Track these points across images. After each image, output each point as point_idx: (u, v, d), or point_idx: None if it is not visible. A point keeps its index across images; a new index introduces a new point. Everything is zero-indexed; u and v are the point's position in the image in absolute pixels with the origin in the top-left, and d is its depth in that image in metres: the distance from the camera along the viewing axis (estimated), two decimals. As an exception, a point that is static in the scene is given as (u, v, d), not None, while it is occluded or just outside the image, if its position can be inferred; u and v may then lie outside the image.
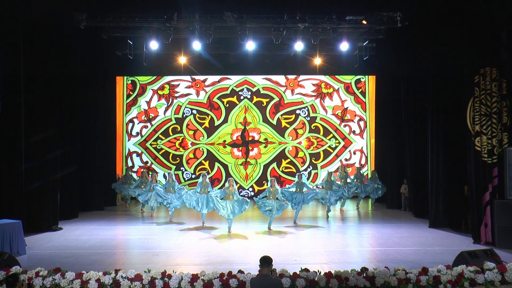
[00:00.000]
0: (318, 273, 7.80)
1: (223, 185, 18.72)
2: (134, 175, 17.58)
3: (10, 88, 12.17)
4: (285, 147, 19.40)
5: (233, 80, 19.40)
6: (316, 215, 15.85)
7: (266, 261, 6.12)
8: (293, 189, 13.86)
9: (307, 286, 7.60)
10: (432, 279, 7.80)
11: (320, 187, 15.12)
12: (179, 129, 19.31)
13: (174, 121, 19.30)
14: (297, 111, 19.43)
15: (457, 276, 7.88)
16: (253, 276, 6.91)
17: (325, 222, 14.36)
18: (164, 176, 18.89)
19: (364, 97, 19.47)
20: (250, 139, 19.39)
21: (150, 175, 15.48)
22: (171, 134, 19.31)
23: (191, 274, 7.79)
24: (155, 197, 14.39)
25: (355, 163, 19.17)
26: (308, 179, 18.98)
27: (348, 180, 16.21)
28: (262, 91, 19.44)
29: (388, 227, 13.49)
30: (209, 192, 13.20)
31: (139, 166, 19.20)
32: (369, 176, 17.58)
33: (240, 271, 7.91)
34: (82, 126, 15.98)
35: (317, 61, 18.24)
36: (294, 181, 14.76)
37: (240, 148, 19.38)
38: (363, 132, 19.49)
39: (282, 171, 19.34)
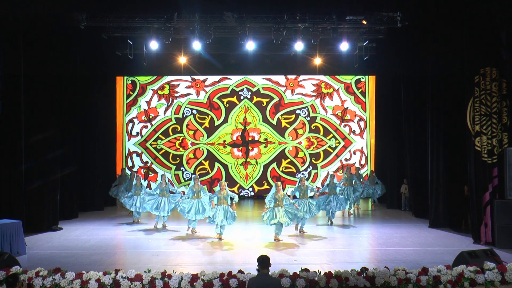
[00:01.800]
0: (318, 273, 7.80)
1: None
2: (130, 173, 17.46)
3: (10, 88, 12.17)
4: (285, 147, 19.40)
5: (233, 80, 19.39)
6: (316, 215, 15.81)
7: (264, 261, 6.13)
8: (296, 193, 12.86)
9: (307, 286, 7.60)
10: (432, 279, 7.80)
11: (323, 192, 14.25)
12: (179, 129, 19.31)
13: (174, 121, 19.30)
14: (297, 111, 19.43)
15: (457, 276, 7.89)
16: (252, 276, 6.92)
17: (325, 222, 14.33)
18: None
19: (364, 97, 19.46)
20: (250, 139, 19.38)
21: (136, 177, 14.56)
22: (171, 134, 19.30)
23: (191, 274, 7.80)
24: (141, 203, 13.63)
25: (355, 163, 19.16)
26: (308, 179, 19.01)
27: (355, 184, 15.50)
28: (262, 91, 19.43)
29: (388, 227, 13.50)
30: (202, 196, 12.49)
31: (139, 166, 19.19)
32: (368, 176, 17.59)
33: (240, 271, 7.92)
34: (82, 126, 15.99)
35: (317, 61, 18.23)
36: (294, 181, 14.59)
37: (240, 148, 19.37)
38: (363, 132, 19.49)
39: (282, 171, 19.33)
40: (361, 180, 16.57)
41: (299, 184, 12.91)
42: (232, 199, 12.09)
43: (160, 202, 13.21)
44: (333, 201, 13.79)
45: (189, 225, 12.83)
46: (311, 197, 13.13)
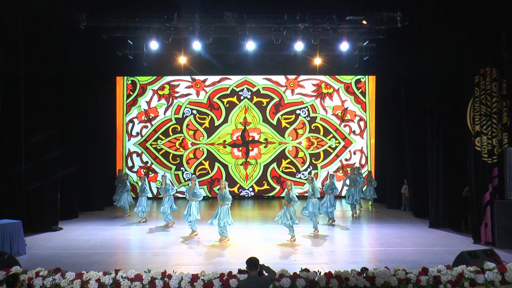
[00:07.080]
0: (318, 273, 7.81)
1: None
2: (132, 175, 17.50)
3: (10, 88, 12.16)
4: (285, 147, 19.40)
5: (233, 80, 19.40)
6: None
7: (252, 263, 6.13)
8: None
9: (307, 286, 7.60)
10: (432, 279, 7.80)
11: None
12: (179, 129, 19.31)
13: (174, 121, 19.30)
14: (297, 111, 19.43)
15: (457, 276, 7.88)
16: (242, 279, 6.95)
17: (325, 223, 14.33)
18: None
19: (364, 97, 19.46)
20: (250, 139, 19.38)
21: (140, 178, 15.10)
22: (171, 134, 19.31)
23: (191, 274, 7.80)
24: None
25: (355, 163, 19.15)
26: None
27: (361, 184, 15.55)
28: (262, 91, 19.43)
29: (388, 227, 13.50)
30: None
31: (139, 166, 19.20)
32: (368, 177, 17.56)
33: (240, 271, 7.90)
34: (82, 126, 15.98)
35: (317, 61, 18.24)
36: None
37: (240, 148, 19.37)
38: (363, 132, 19.49)
39: (282, 171, 19.33)
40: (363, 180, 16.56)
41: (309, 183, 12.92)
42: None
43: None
44: (331, 200, 13.87)
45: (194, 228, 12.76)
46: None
